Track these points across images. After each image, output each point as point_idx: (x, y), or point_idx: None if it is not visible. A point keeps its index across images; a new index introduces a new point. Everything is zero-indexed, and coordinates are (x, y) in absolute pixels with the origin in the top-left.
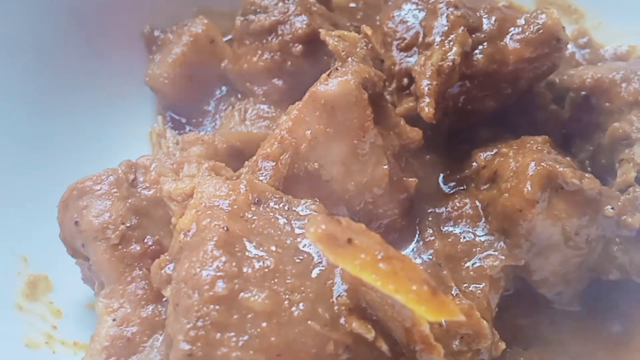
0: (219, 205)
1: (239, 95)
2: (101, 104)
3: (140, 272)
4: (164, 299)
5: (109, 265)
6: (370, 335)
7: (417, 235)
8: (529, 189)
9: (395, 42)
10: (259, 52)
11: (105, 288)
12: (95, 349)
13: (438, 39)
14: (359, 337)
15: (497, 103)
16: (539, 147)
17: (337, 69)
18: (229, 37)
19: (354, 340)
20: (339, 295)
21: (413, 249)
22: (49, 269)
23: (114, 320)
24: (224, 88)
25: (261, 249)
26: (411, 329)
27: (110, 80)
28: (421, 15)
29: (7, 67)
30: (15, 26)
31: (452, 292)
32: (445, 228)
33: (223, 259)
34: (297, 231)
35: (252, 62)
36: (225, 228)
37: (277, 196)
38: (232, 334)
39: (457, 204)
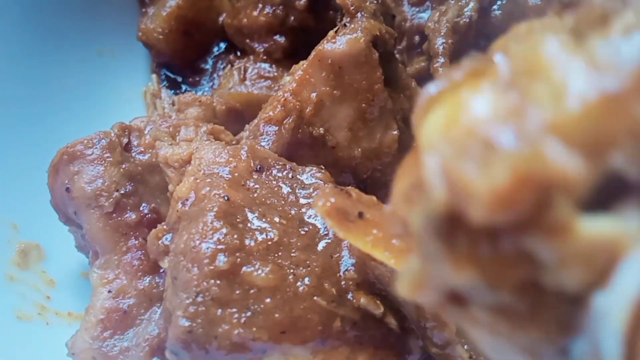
0: (218, 173)
1: (239, 53)
2: (91, 62)
3: (136, 242)
4: (161, 270)
5: (103, 234)
6: (378, 311)
7: None
8: None
9: None
10: (260, 5)
11: (99, 258)
12: (90, 321)
13: None
14: (367, 313)
15: None
16: None
17: (345, 25)
18: None
19: (362, 317)
20: (347, 270)
21: None
22: (41, 237)
23: (109, 292)
24: (222, 44)
25: (264, 220)
26: (422, 306)
27: (100, 36)
28: None
29: None
30: None
31: None
32: None
33: (224, 230)
34: (302, 201)
35: (253, 17)
36: (226, 197)
37: (280, 163)
38: (234, 310)
39: None
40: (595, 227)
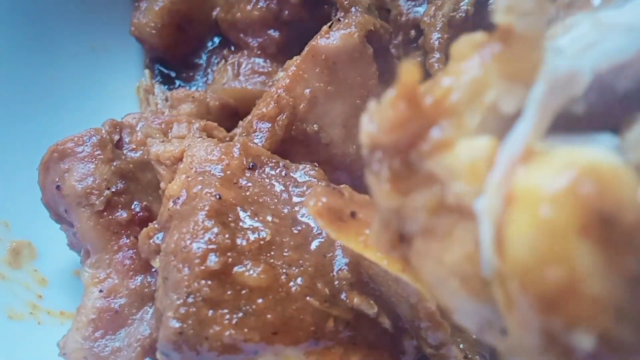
0: (210, 171)
1: (233, 48)
2: (84, 58)
3: (128, 241)
4: (153, 269)
5: (94, 233)
6: (372, 311)
7: None
8: None
9: None
10: None
11: (91, 257)
12: (81, 321)
13: None
14: (361, 313)
15: None
16: None
17: (339, 20)
18: None
19: (355, 317)
20: (340, 269)
21: None
22: (33, 235)
23: (100, 291)
24: (216, 39)
25: (256, 218)
26: (416, 306)
27: (93, 31)
28: None
29: None
30: None
31: None
32: None
33: (215, 230)
34: (295, 199)
35: (246, 11)
36: (218, 196)
37: (273, 161)
38: (225, 311)
39: None
40: (473, 144)
